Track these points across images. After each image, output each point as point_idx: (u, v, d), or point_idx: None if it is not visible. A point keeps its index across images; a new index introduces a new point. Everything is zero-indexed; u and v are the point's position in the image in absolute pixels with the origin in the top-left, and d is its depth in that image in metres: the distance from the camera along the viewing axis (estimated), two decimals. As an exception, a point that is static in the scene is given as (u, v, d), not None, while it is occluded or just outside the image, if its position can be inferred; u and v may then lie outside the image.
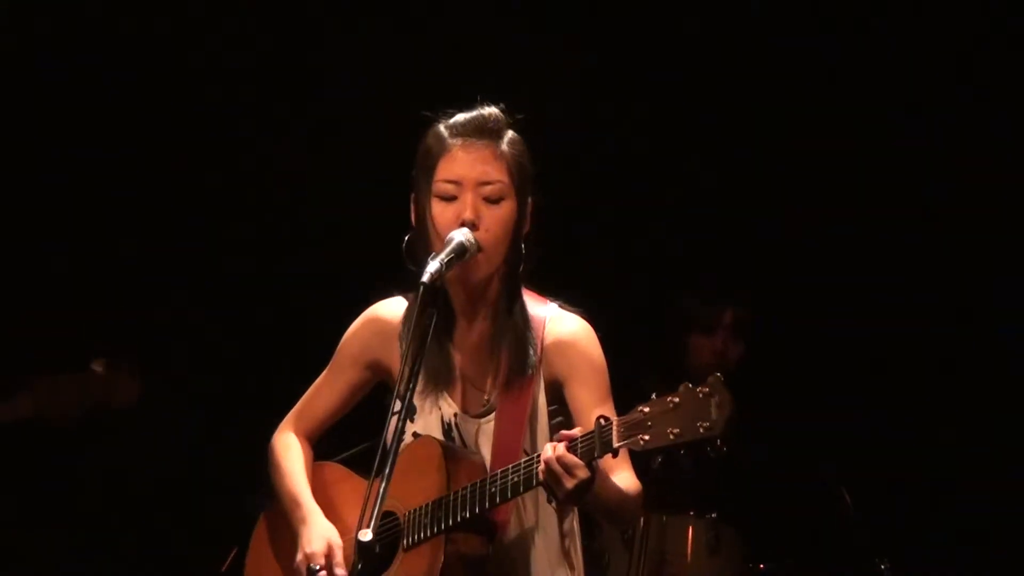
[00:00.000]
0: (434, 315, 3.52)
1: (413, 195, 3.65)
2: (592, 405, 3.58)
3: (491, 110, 3.64)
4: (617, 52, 5.83)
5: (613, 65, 5.82)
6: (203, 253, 5.82)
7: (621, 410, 3.50)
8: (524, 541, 3.61)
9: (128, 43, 5.73)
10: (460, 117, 3.64)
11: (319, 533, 3.66)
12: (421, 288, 3.44)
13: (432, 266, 3.46)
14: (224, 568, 4.71)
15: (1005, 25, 5.65)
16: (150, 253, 5.79)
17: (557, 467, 3.33)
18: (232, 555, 4.65)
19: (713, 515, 5.34)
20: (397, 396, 3.47)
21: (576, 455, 3.32)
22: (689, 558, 5.32)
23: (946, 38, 5.71)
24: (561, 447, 3.34)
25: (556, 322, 3.65)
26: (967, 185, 5.69)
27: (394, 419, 3.46)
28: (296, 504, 3.75)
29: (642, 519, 5.16)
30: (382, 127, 5.03)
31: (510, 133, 3.63)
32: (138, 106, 5.76)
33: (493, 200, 3.57)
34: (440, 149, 3.60)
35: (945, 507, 5.74)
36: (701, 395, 3.21)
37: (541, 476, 3.36)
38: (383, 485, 3.31)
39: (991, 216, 5.70)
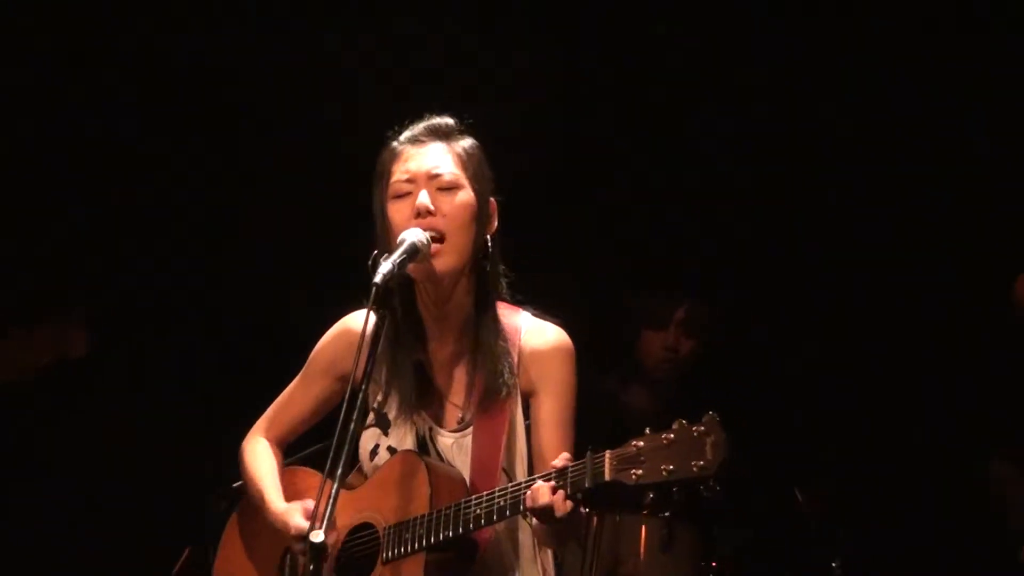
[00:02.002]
0: (386, 317, 3.49)
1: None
2: (554, 420, 3.58)
3: (442, 118, 3.67)
4: (581, 55, 5.83)
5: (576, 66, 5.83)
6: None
7: (586, 418, 3.54)
8: (502, 553, 3.60)
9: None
10: (412, 127, 3.67)
11: (301, 509, 3.60)
12: (373, 289, 3.41)
13: (384, 267, 3.44)
14: (177, 569, 4.68)
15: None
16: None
17: (546, 498, 3.30)
18: (185, 555, 4.62)
19: (666, 513, 5.34)
20: (349, 398, 3.40)
21: (565, 483, 3.29)
22: (642, 556, 5.32)
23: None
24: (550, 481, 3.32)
25: (532, 333, 3.65)
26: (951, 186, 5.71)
27: (351, 423, 3.40)
28: (265, 501, 3.73)
29: (595, 518, 5.16)
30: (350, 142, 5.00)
31: (465, 138, 3.66)
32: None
33: (447, 188, 3.57)
34: (392, 156, 3.64)
35: (897, 506, 5.77)
36: (696, 433, 3.19)
37: (528, 503, 3.33)
38: (335, 487, 3.29)
39: (979, 220, 5.73)
